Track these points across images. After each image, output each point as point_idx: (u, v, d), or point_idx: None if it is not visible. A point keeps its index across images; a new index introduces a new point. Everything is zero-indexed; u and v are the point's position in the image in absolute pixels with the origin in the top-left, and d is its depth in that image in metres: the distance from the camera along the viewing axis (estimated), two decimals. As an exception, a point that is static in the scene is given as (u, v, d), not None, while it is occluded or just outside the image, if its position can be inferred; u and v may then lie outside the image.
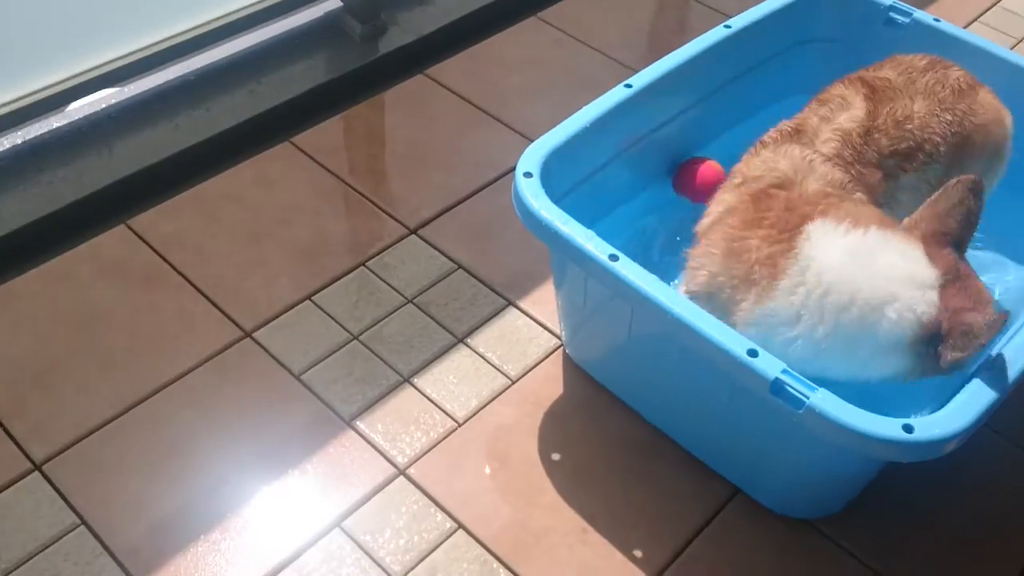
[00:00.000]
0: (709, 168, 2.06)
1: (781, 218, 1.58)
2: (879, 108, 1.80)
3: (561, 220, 1.63)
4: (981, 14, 2.98)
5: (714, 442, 1.77)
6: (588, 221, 1.65)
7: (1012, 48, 2.86)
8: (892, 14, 2.16)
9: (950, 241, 1.54)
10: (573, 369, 1.95)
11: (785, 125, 1.84)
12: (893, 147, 1.77)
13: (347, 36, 2.63)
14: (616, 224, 1.93)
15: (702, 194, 2.06)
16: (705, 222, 1.75)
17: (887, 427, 1.38)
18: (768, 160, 1.74)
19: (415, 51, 2.65)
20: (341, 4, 2.65)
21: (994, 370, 1.46)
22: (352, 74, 2.55)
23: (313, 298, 2.04)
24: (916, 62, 1.92)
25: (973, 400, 1.42)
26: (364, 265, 2.11)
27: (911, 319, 1.46)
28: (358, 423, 1.83)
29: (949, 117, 1.82)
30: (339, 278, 2.08)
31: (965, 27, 2.89)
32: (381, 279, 2.09)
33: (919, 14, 2.14)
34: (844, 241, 1.52)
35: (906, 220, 1.62)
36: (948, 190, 1.56)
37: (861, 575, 1.69)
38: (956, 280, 1.49)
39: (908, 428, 1.37)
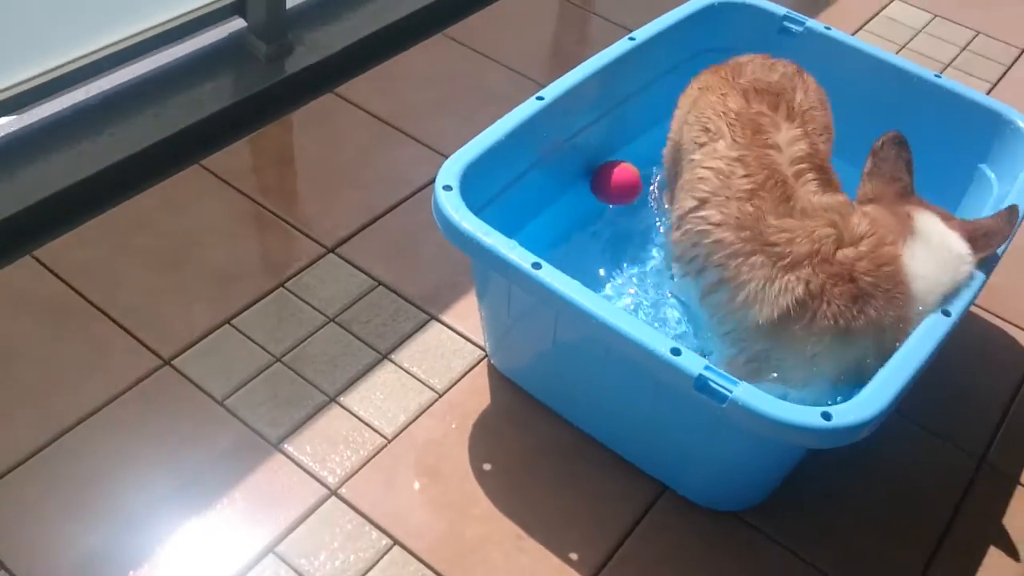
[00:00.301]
0: (624, 171, 2.12)
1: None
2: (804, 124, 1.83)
3: (483, 231, 1.64)
4: (866, 22, 3.13)
5: (641, 442, 1.81)
6: (509, 231, 1.68)
7: (897, 51, 3.00)
8: (786, 23, 2.25)
9: (910, 191, 1.71)
10: (499, 379, 1.97)
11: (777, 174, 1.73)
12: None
13: (253, 57, 2.61)
14: (538, 232, 1.96)
15: (618, 197, 2.12)
16: None
17: (807, 415, 1.43)
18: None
19: (323, 70, 2.64)
20: (245, 25, 2.63)
21: (902, 357, 1.54)
22: (260, 95, 2.53)
23: (232, 322, 2.01)
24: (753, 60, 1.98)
25: (885, 386, 1.49)
26: (283, 286, 2.09)
27: None
28: (286, 446, 1.81)
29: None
30: (258, 300, 2.06)
31: (853, 34, 3.03)
32: (301, 299, 2.07)
33: (811, 23, 2.24)
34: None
35: (860, 195, 1.72)
36: (882, 151, 1.68)
37: (788, 562, 1.76)
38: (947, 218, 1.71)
39: (827, 415, 1.43)
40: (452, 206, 1.68)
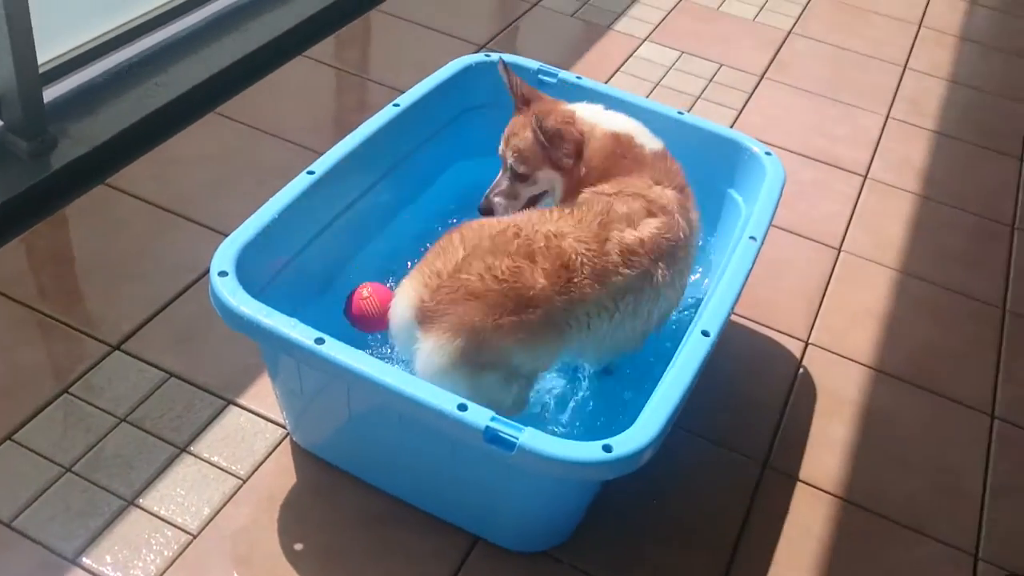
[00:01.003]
0: (365, 302, 1.89)
1: None
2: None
3: (263, 313, 1.65)
4: (622, 64, 3.34)
5: (448, 497, 1.85)
6: (299, 306, 1.69)
7: (651, 89, 3.22)
8: (541, 76, 2.39)
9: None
10: (303, 455, 1.96)
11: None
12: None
13: (14, 155, 2.51)
14: (332, 302, 1.98)
15: (365, 326, 1.91)
16: None
17: (589, 451, 1.52)
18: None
19: (91, 162, 2.57)
20: (2, 123, 2.53)
21: (670, 382, 1.65)
22: (25, 194, 2.44)
23: (14, 437, 1.91)
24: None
25: (657, 411, 1.59)
26: (67, 392, 2.02)
27: None
28: (84, 559, 1.74)
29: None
30: (41, 410, 1.97)
31: (609, 78, 3.24)
32: (88, 403, 2.00)
33: (563, 74, 2.38)
34: None
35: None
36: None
37: (601, 589, 1.84)
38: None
39: (607, 448, 1.52)
40: (229, 291, 1.68)
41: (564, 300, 1.76)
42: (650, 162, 2.02)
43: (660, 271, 1.87)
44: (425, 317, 1.72)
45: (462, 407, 1.55)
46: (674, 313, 2.07)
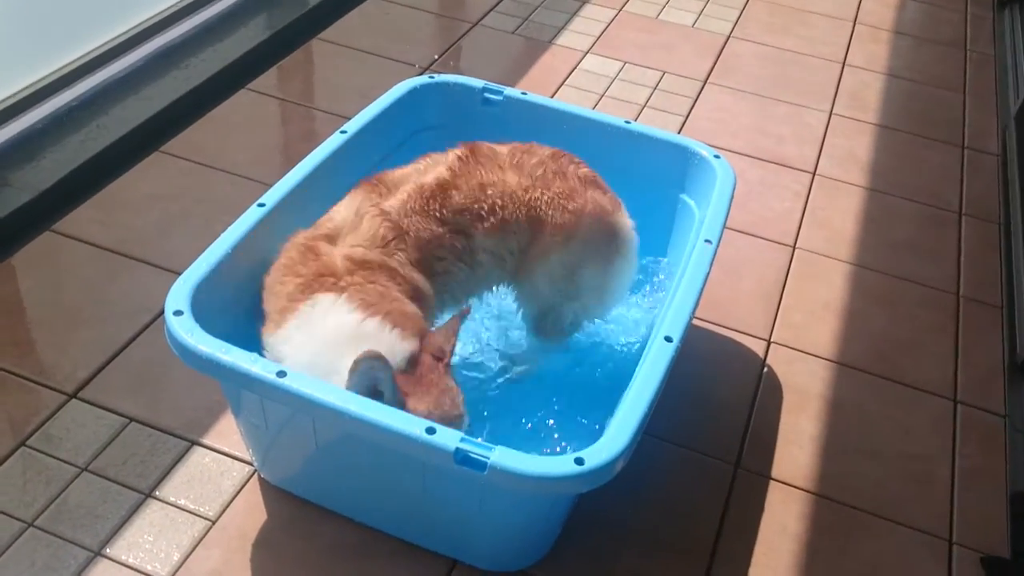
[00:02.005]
0: None
1: (310, 280, 1.77)
2: (468, 170, 1.95)
3: (222, 350, 1.63)
4: (567, 77, 3.36)
5: (422, 522, 1.83)
6: (258, 341, 1.66)
7: (598, 100, 3.24)
8: (487, 94, 2.39)
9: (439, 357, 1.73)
10: (272, 491, 1.93)
11: (378, 175, 1.96)
12: (465, 206, 1.91)
13: (-46, 208, 2.46)
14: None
15: None
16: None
17: (561, 465, 1.51)
18: (337, 208, 1.91)
19: (36, 209, 2.52)
20: (-61, 176, 2.48)
21: (637, 390, 1.65)
22: (-32, 246, 2.39)
23: (-28, 496, 1.86)
24: (544, 150, 2.04)
25: (627, 419, 1.59)
26: (24, 444, 1.97)
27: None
28: (53, 615, 1.70)
29: (537, 195, 1.95)
30: (-2, 466, 1.92)
31: (554, 92, 3.25)
32: (47, 454, 1.95)
33: (509, 90, 2.38)
34: (337, 320, 1.71)
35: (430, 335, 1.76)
36: (448, 323, 1.79)
37: (583, 603, 1.82)
38: (418, 373, 1.69)
39: (579, 460, 1.52)
40: (185, 330, 1.65)
41: None
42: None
43: None
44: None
45: (430, 430, 1.53)
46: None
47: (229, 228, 1.88)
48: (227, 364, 1.61)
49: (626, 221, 2.06)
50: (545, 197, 1.96)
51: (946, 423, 2.28)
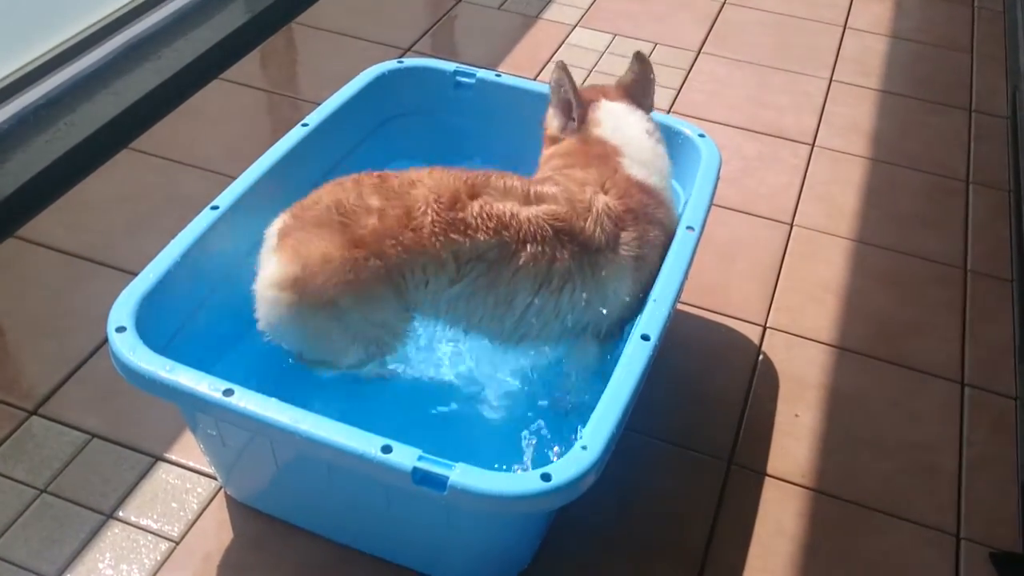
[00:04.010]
0: None
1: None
2: None
3: (165, 368, 1.53)
4: (554, 53, 3.22)
5: (393, 539, 1.73)
6: (219, 352, 1.57)
7: (587, 75, 3.11)
8: (459, 77, 2.27)
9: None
10: (239, 508, 1.84)
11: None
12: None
13: (-86, 218, 2.38)
14: (249, 350, 1.86)
15: None
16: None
17: (527, 482, 1.41)
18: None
19: (-1, 216, 2.44)
20: (-102, 185, 2.39)
21: (611, 393, 1.54)
22: (-71, 257, 2.30)
23: (-75, 523, 1.79)
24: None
25: (598, 430, 1.48)
26: (-18, 466, 1.89)
27: None
28: (7, 649, 1.62)
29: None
30: (-46, 490, 1.85)
31: (541, 68, 3.12)
32: (5, 476, 1.87)
33: (482, 73, 2.26)
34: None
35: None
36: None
37: (566, 618, 1.73)
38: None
39: (546, 476, 1.41)
40: (127, 348, 1.56)
41: (396, 246, 1.69)
42: (612, 175, 1.87)
43: (531, 253, 1.72)
44: (276, 244, 1.75)
45: (386, 448, 1.43)
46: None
47: (178, 235, 1.78)
48: (170, 383, 1.52)
49: None
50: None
51: (953, 408, 2.15)
